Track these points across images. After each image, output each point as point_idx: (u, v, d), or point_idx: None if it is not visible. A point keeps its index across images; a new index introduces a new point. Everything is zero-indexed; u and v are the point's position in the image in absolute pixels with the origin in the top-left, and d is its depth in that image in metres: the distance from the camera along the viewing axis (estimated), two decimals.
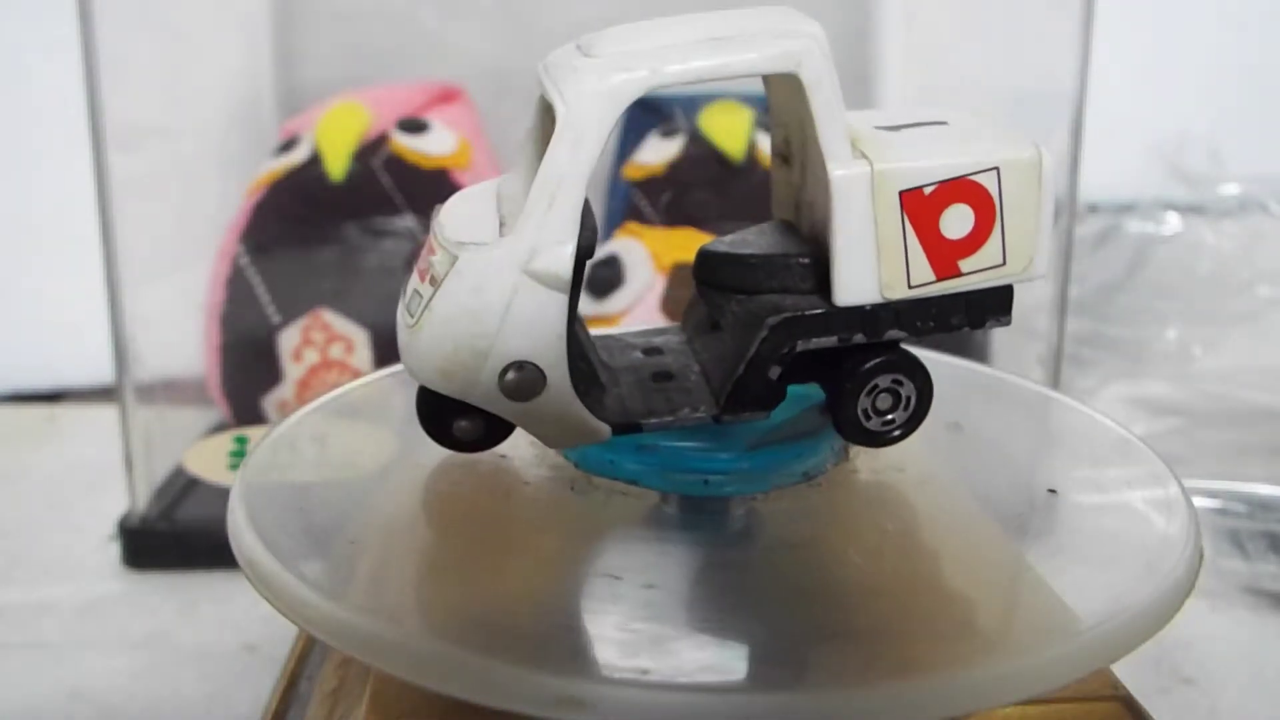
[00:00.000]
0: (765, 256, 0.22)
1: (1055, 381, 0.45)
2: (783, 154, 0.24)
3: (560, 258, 0.20)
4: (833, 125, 0.21)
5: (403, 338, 0.21)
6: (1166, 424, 0.50)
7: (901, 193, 0.21)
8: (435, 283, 0.20)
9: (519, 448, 0.24)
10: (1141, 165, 0.59)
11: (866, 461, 0.24)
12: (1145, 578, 0.20)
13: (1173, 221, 0.58)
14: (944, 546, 0.22)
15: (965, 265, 0.21)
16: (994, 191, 0.21)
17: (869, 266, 0.21)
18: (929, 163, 0.21)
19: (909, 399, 0.22)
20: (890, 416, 0.22)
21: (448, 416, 0.22)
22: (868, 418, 0.22)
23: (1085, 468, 0.26)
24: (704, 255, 0.23)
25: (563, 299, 0.20)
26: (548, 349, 0.20)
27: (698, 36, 0.20)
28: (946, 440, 0.26)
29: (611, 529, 0.22)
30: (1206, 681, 0.34)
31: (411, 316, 0.21)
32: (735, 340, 0.22)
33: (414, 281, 0.21)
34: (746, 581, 0.21)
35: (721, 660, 0.18)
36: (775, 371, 0.21)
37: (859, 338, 0.21)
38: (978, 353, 0.48)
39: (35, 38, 0.55)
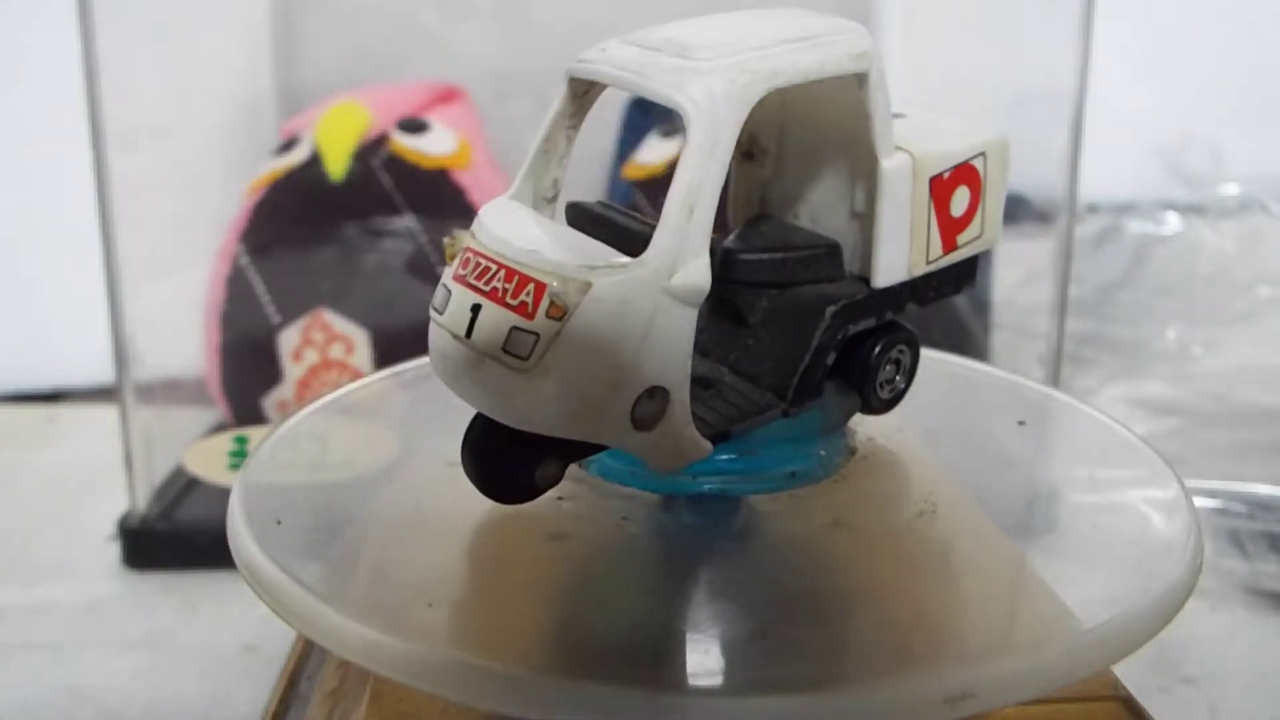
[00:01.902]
0: (797, 249, 0.22)
1: (1055, 381, 0.45)
2: (747, 152, 0.24)
3: (700, 270, 0.19)
4: (886, 121, 0.21)
5: (502, 383, 0.18)
6: (1166, 424, 0.50)
7: (931, 178, 0.22)
8: (559, 315, 0.18)
9: None
10: (1141, 165, 0.59)
11: (867, 462, 0.24)
12: (1146, 578, 0.20)
13: (1173, 221, 0.58)
14: (945, 547, 0.22)
15: (960, 239, 0.23)
16: (982, 172, 0.23)
17: (904, 249, 0.22)
18: (949, 148, 0.22)
19: (908, 365, 0.23)
20: (896, 382, 0.23)
21: (527, 465, 0.20)
22: (883, 388, 0.23)
23: (1086, 467, 0.26)
24: (727, 253, 0.22)
25: (694, 315, 0.19)
26: (676, 370, 0.19)
27: (777, 36, 0.20)
28: (947, 440, 0.26)
29: (613, 530, 0.22)
30: (1206, 681, 0.34)
31: (521, 358, 0.18)
32: (781, 333, 0.22)
33: (501, 318, 0.18)
34: (745, 582, 0.20)
35: (718, 663, 0.18)
36: (831, 358, 0.22)
37: (889, 315, 0.23)
38: (978, 353, 0.48)
39: (35, 38, 0.55)
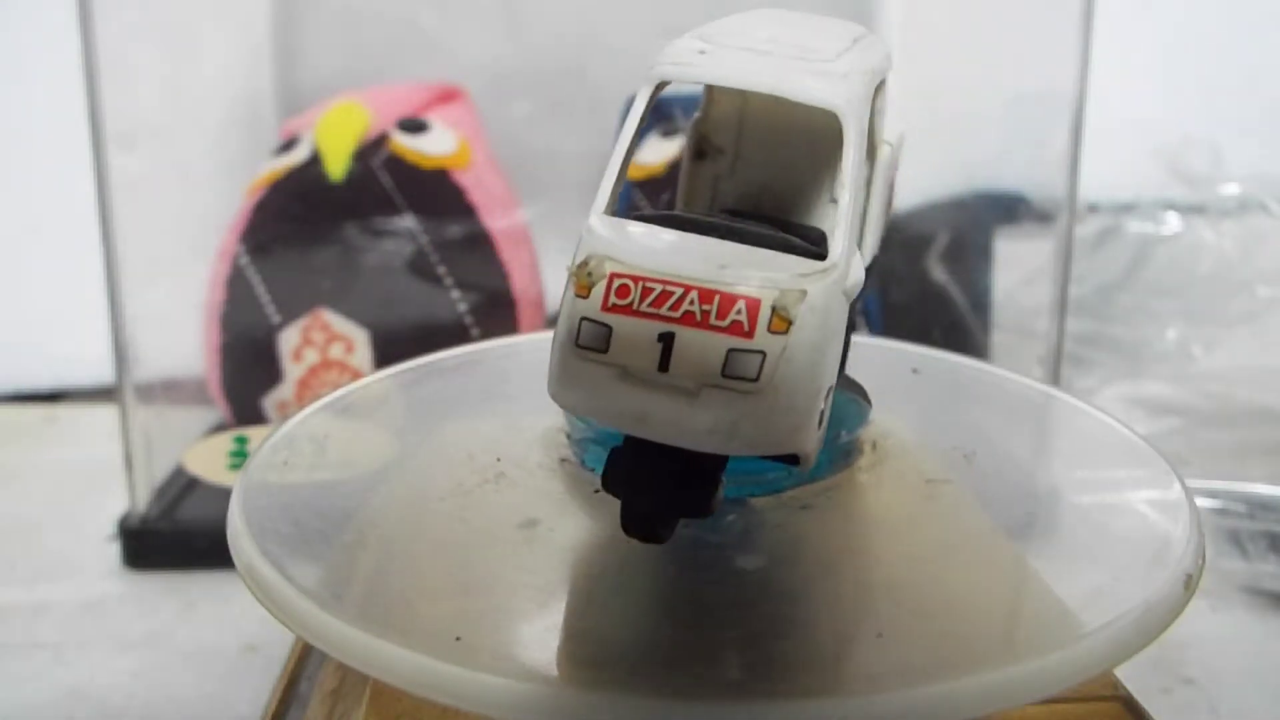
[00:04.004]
0: (807, 237, 0.22)
1: (1055, 381, 0.45)
2: (699, 151, 0.24)
3: (859, 267, 0.18)
4: (882, 114, 0.22)
5: (725, 411, 0.17)
6: (1166, 424, 0.50)
7: (898, 159, 0.23)
8: (783, 329, 0.17)
9: (519, 449, 0.24)
10: (1141, 165, 0.59)
11: (866, 462, 0.24)
12: (1148, 579, 0.20)
13: (1173, 221, 0.58)
14: (945, 548, 0.22)
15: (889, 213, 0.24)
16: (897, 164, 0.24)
17: (877, 228, 0.23)
18: (897, 134, 0.24)
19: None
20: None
21: (711, 495, 0.19)
22: None
23: (1087, 468, 0.26)
24: None
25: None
26: (838, 367, 0.19)
27: (841, 36, 0.21)
28: (946, 440, 0.26)
29: (613, 531, 0.22)
30: (1207, 681, 0.34)
31: (749, 380, 0.17)
32: None
33: (710, 343, 0.17)
34: (743, 584, 0.20)
35: (715, 666, 0.18)
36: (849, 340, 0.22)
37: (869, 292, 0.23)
38: (978, 352, 0.48)
39: (35, 38, 0.55)
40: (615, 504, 0.19)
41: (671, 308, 0.17)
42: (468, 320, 0.44)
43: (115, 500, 0.42)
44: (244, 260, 0.44)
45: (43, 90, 0.52)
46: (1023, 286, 0.51)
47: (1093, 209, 0.59)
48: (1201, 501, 0.41)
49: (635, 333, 0.17)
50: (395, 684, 0.17)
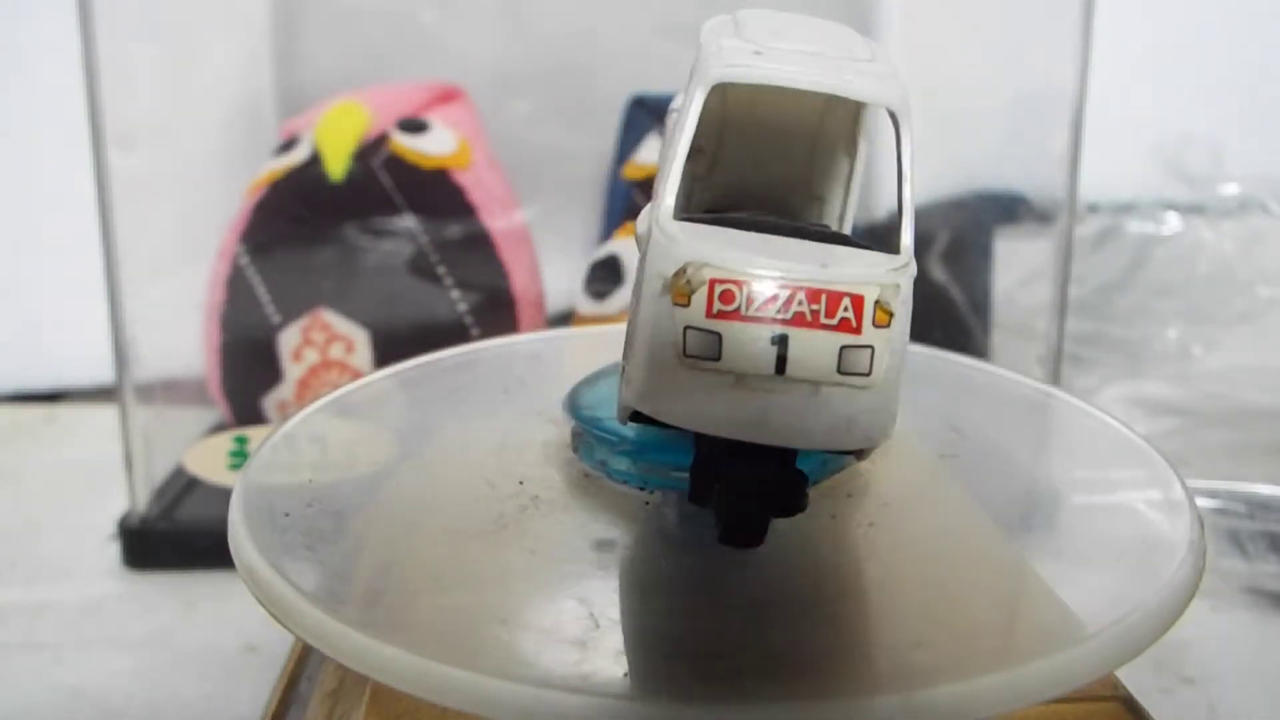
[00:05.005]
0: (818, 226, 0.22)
1: (1055, 381, 0.45)
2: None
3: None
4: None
5: (843, 407, 0.17)
6: (1166, 424, 0.50)
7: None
8: (885, 322, 0.17)
9: (519, 449, 0.24)
10: (1141, 165, 0.59)
11: (866, 463, 0.24)
12: (1149, 580, 0.20)
13: (1173, 221, 0.58)
14: (946, 549, 0.22)
15: None
16: None
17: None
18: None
19: None
20: None
21: (803, 484, 0.19)
22: None
23: (1088, 468, 0.26)
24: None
25: None
26: None
27: (857, 38, 0.21)
28: (946, 440, 0.26)
29: (614, 532, 0.22)
30: (1207, 681, 0.34)
31: (863, 374, 0.17)
32: None
33: (824, 342, 0.17)
34: (743, 585, 0.20)
35: (713, 668, 0.18)
36: None
37: None
38: (978, 352, 0.48)
39: (35, 38, 0.55)
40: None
41: (781, 309, 0.17)
42: (468, 320, 0.44)
43: (115, 500, 0.42)
44: (244, 260, 0.44)
45: (43, 90, 0.52)
46: (1023, 286, 0.51)
47: (1093, 209, 0.59)
48: (1201, 501, 0.41)
49: (747, 338, 0.17)
50: (394, 685, 0.17)
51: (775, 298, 0.17)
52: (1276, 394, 0.51)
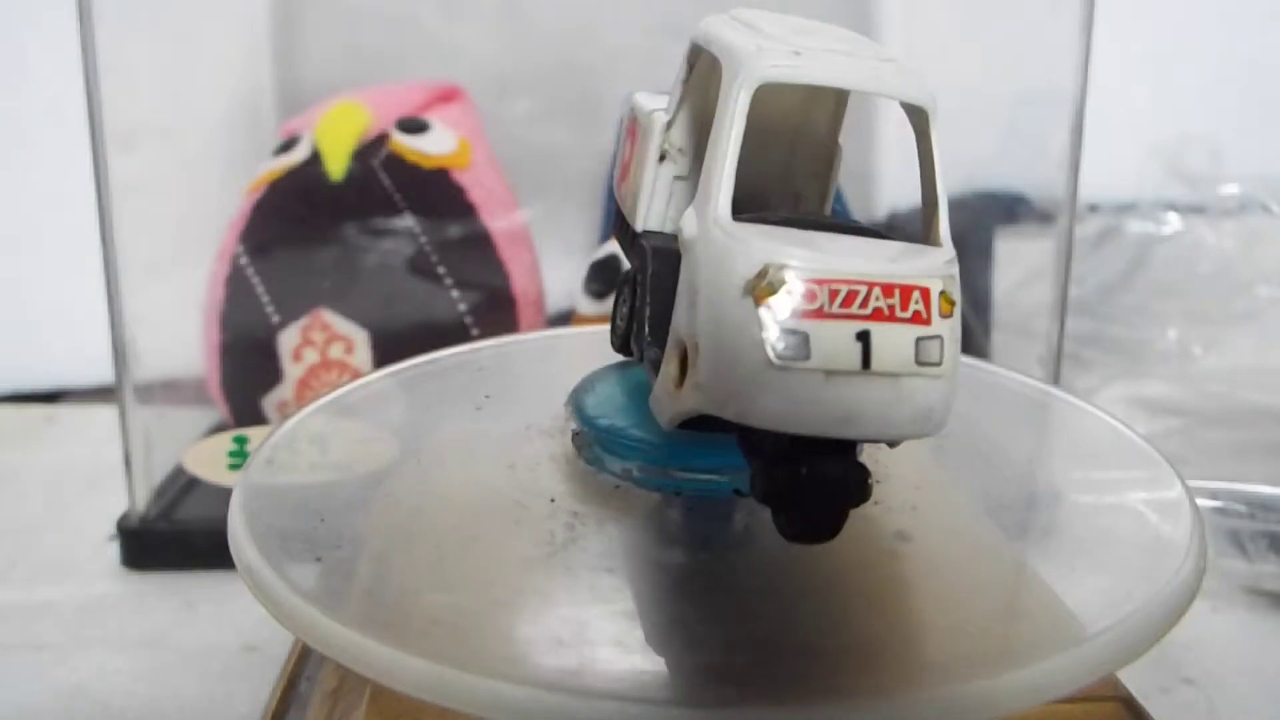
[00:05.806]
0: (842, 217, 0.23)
1: (1055, 381, 0.45)
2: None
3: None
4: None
5: (923, 398, 0.18)
6: (1166, 424, 0.50)
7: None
8: (949, 312, 0.18)
9: (520, 449, 0.24)
10: (1141, 165, 0.59)
11: (865, 462, 0.24)
12: (1150, 581, 0.20)
13: (1173, 221, 0.58)
14: (946, 550, 0.22)
15: None
16: None
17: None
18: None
19: None
20: None
21: (867, 475, 0.19)
22: None
23: (1088, 468, 0.26)
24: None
25: None
26: None
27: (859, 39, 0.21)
28: (947, 441, 0.26)
29: (615, 532, 0.22)
30: (1207, 681, 0.34)
31: (936, 364, 0.18)
32: None
33: (902, 335, 0.18)
34: (744, 587, 0.20)
35: (713, 670, 0.18)
36: None
37: None
38: (978, 352, 0.48)
39: (35, 38, 0.55)
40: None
41: (861, 305, 0.17)
42: (468, 320, 0.44)
43: (115, 500, 0.42)
44: (244, 260, 0.44)
45: (43, 90, 0.52)
46: (1023, 286, 0.51)
47: (1093, 209, 0.59)
48: (1202, 501, 0.40)
49: (834, 335, 0.17)
50: (393, 686, 0.17)
51: (855, 294, 0.17)
52: (1276, 394, 0.51)
